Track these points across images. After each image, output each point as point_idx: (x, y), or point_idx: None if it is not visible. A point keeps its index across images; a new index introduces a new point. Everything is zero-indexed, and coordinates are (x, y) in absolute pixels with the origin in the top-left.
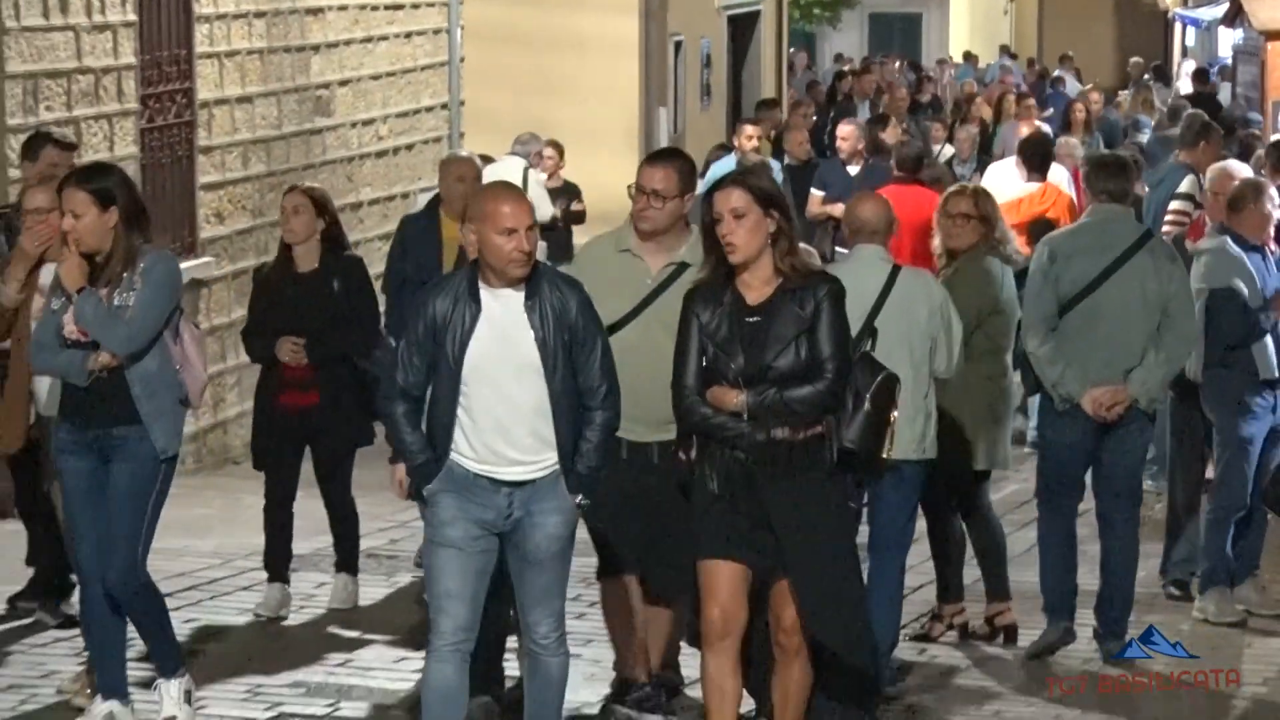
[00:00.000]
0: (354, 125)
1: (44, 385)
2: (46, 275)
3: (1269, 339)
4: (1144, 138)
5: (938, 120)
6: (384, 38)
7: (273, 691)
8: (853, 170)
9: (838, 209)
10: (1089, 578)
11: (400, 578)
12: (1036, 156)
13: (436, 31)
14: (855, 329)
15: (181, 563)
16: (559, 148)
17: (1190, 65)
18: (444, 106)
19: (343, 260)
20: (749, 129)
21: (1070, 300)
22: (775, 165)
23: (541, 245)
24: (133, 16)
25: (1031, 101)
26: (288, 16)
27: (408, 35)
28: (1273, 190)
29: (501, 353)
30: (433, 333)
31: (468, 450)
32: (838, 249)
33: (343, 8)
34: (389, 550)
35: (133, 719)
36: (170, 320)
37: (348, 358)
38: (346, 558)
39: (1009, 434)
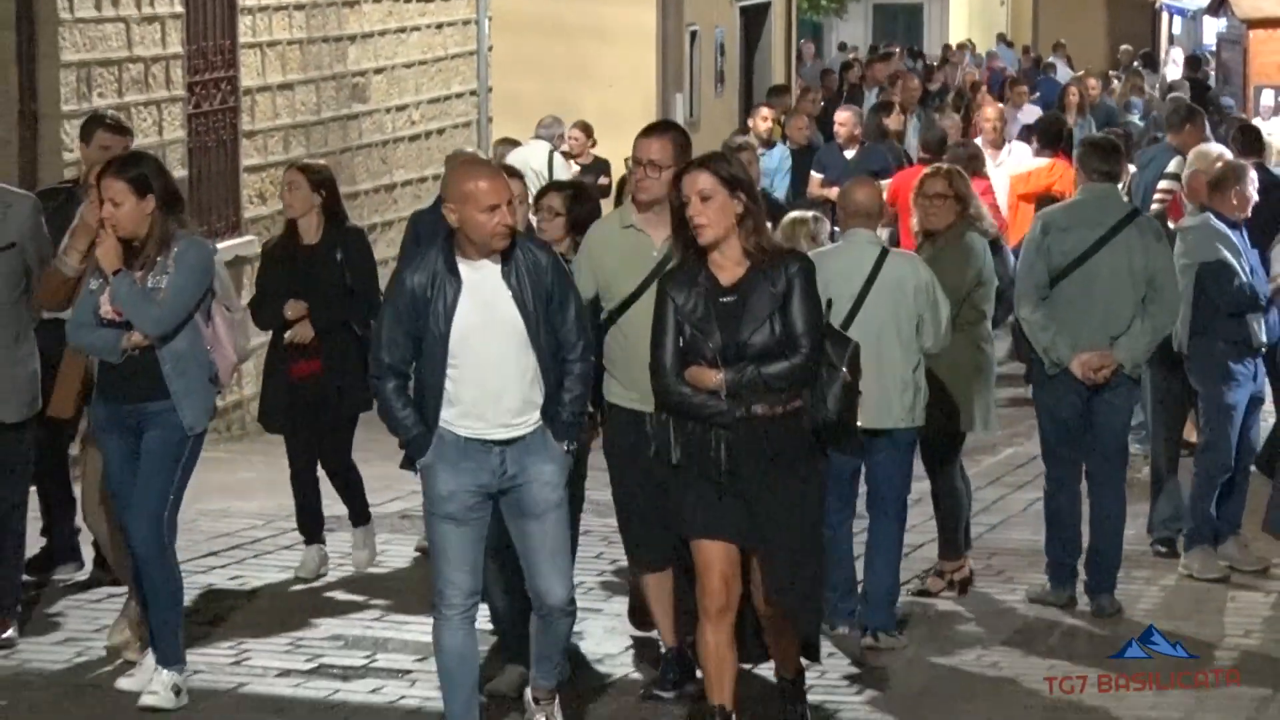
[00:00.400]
0: (388, 111)
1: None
2: None
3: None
4: (1133, 117)
5: (951, 109)
6: (416, 28)
7: (313, 644)
8: (849, 155)
9: (833, 192)
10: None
11: None
12: (1049, 134)
13: (466, 22)
14: (846, 308)
15: (226, 523)
16: (587, 128)
17: (1178, 52)
18: (473, 93)
19: (344, 232)
20: (765, 110)
21: (1062, 271)
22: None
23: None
24: (180, 9)
25: (1024, 87)
26: (326, 8)
27: (439, 26)
28: (1253, 172)
29: (486, 322)
30: (413, 308)
31: (457, 418)
32: (835, 229)
33: (377, 0)
34: (419, 511)
35: (185, 672)
36: (202, 303)
37: (349, 326)
38: (356, 514)
39: (993, 398)
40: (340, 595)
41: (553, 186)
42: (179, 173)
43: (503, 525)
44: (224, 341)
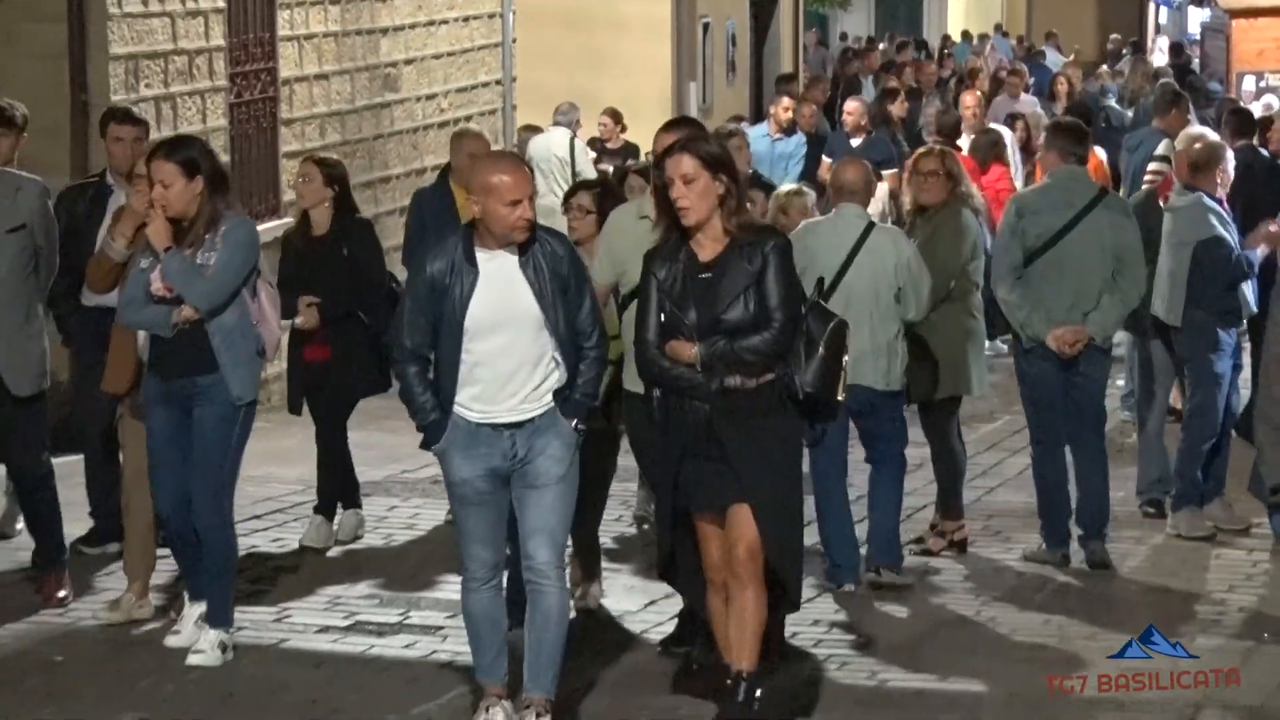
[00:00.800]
0: (418, 100)
1: (144, 334)
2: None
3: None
4: (1109, 100)
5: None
6: (444, 21)
7: (350, 602)
8: (855, 143)
9: None
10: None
11: None
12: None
13: (491, 15)
14: (830, 277)
15: (268, 488)
16: (616, 114)
17: (1164, 41)
18: (498, 82)
19: (352, 224)
20: (785, 100)
21: (1036, 251)
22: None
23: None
24: (221, 3)
25: (1018, 77)
26: (359, 3)
27: (466, 19)
28: (1230, 153)
29: (502, 310)
30: (431, 295)
31: (470, 403)
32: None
33: None
34: None
35: (231, 631)
36: (248, 279)
37: (355, 314)
38: (324, 497)
39: (985, 362)
40: (375, 556)
41: (582, 185)
42: (221, 159)
43: None
44: (269, 316)
